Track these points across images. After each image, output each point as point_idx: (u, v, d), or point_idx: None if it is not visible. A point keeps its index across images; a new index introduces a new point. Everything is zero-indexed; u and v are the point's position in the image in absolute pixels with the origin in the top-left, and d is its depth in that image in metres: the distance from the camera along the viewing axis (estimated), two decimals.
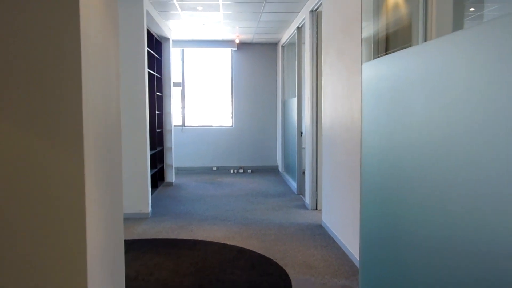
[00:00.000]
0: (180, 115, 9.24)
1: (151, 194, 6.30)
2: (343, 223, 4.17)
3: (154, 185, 7.04)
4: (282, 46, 8.59)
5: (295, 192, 6.85)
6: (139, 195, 5.45)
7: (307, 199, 5.84)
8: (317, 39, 5.61)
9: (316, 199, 5.71)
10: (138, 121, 5.48)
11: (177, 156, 9.11)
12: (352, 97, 3.85)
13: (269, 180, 8.21)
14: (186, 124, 9.29)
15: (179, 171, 9.14)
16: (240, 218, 5.31)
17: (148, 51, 6.16)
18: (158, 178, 7.61)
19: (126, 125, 5.28)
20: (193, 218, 5.31)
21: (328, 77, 4.77)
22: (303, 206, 5.92)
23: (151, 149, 6.71)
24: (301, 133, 6.75)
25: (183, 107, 9.25)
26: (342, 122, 4.18)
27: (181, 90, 9.22)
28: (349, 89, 3.96)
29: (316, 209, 5.68)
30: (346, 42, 4.06)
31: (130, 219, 5.26)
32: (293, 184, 7.14)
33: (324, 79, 4.98)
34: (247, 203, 6.18)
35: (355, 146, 3.73)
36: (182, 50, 9.17)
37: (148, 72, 6.57)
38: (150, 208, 5.55)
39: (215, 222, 5.14)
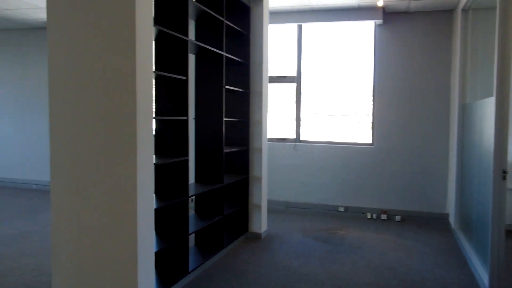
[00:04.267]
0: (294, 125, 6.21)
1: (208, 258, 3.48)
2: None
3: (221, 243, 4.16)
4: (464, 11, 4.88)
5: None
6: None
7: None
8: None
9: None
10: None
11: (283, 186, 6.09)
12: None
13: (429, 243, 4.60)
14: (301, 139, 6.21)
15: (288, 207, 6.10)
16: None
17: (209, 14, 3.38)
18: (235, 225, 4.73)
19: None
20: None
21: None
22: None
23: (212, 180, 3.88)
24: (505, 171, 3.09)
25: (298, 113, 6.20)
26: None
27: (296, 87, 6.19)
28: None
29: None
30: None
31: None
32: (479, 265, 3.47)
33: None
34: None
35: None
36: (299, 26, 6.13)
37: (214, 53, 3.78)
38: None
39: None
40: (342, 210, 5.93)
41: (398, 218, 5.69)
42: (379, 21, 5.66)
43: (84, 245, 2.68)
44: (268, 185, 5.20)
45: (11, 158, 7.59)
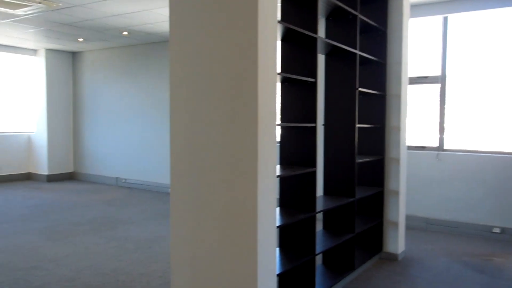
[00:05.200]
0: (437, 131, 5.45)
1: (337, 280, 3.11)
2: None
3: (352, 264, 3.72)
4: None
5: None
6: None
7: None
8: None
9: None
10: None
11: (423, 200, 5.37)
12: None
13: None
14: (445, 147, 5.42)
15: (429, 224, 5.36)
16: None
17: (342, 9, 3.03)
18: (368, 244, 4.24)
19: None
20: None
21: None
22: None
23: (342, 193, 3.51)
24: None
25: (441, 117, 5.42)
26: None
27: (440, 87, 5.42)
28: None
29: None
30: None
31: None
32: None
33: None
34: None
35: None
36: (445, 18, 5.36)
37: (346, 52, 3.42)
38: None
39: None
40: (498, 231, 4.98)
41: None
42: None
43: (201, 260, 2.50)
44: (405, 198, 4.58)
45: (151, 163, 8.12)
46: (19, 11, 5.71)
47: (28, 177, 9.10)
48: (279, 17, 2.66)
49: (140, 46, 8.22)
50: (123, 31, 6.99)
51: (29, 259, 4.08)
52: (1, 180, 8.62)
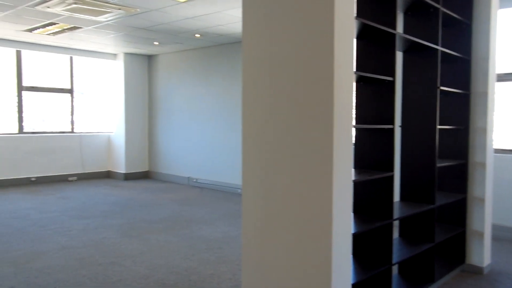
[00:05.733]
0: None
1: None
2: None
3: (431, 276, 3.47)
4: None
5: None
6: None
7: None
8: None
9: None
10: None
11: None
12: None
13: None
14: None
15: None
16: None
17: (422, 2, 2.83)
18: (449, 255, 3.95)
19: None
20: None
21: None
22: None
23: (421, 200, 3.30)
24: None
25: None
26: None
27: None
28: None
29: None
30: None
31: None
32: None
33: None
34: None
35: None
36: None
37: (427, 48, 3.21)
38: None
39: None
40: None
41: None
42: None
43: (272, 265, 2.44)
44: (491, 206, 4.20)
45: (222, 163, 8.23)
46: (101, 18, 6.04)
47: (107, 175, 9.63)
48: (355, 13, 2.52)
49: (212, 48, 8.37)
50: (196, 34, 7.15)
51: (108, 254, 4.27)
52: (84, 177, 9.21)
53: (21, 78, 8.41)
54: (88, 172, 9.32)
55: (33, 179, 8.51)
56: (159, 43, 8.05)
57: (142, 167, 9.72)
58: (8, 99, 8.39)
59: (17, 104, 8.40)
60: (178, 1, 5.22)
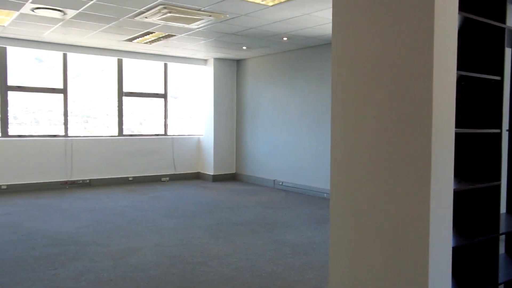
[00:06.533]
0: None
1: None
2: None
3: None
4: None
5: None
6: None
7: None
8: None
9: None
10: None
11: None
12: None
13: None
14: None
15: None
16: None
17: None
18: None
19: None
20: None
21: None
22: None
23: None
24: None
25: None
26: None
27: None
28: None
29: None
30: None
31: None
32: None
33: None
34: None
35: None
36: None
37: None
38: None
39: None
40: None
41: None
42: None
43: (362, 277, 2.30)
44: None
45: (307, 167, 8.14)
46: (193, 25, 6.28)
47: (197, 176, 10.00)
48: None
49: (298, 51, 8.33)
50: (283, 37, 7.15)
51: (196, 254, 4.40)
52: (176, 178, 9.66)
53: (122, 84, 9.06)
54: (179, 173, 9.76)
55: (130, 178, 9.11)
56: (247, 47, 8.19)
57: (230, 169, 9.95)
58: (110, 104, 9.08)
59: (117, 108, 9.06)
60: (267, 5, 5.25)
